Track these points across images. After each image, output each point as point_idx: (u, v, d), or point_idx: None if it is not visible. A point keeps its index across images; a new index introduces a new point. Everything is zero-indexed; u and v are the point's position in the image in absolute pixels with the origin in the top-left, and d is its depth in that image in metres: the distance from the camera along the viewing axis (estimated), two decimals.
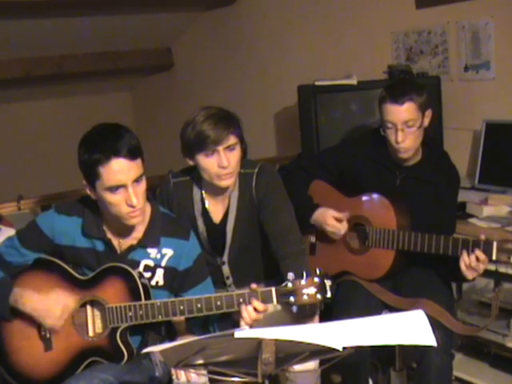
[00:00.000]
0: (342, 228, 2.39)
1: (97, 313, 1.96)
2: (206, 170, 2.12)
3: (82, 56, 4.54)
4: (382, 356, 2.55)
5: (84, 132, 1.90)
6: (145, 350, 1.52)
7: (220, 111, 2.13)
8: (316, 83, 3.18)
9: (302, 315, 1.96)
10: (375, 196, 2.40)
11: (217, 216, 2.28)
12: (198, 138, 2.08)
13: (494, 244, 2.05)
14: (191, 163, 2.17)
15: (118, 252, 1.99)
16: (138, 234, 1.99)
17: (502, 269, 2.35)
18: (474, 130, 3.08)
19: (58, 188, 3.16)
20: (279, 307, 2.09)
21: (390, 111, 2.29)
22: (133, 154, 1.83)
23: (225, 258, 2.29)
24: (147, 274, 1.99)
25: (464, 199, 2.71)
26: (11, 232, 2.40)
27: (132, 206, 1.85)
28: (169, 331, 2.10)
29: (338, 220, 2.39)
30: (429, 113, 2.35)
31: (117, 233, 2.00)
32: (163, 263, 2.01)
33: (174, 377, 1.94)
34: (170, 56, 5.00)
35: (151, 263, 2.00)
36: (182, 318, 1.99)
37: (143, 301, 1.90)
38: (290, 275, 1.81)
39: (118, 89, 5.49)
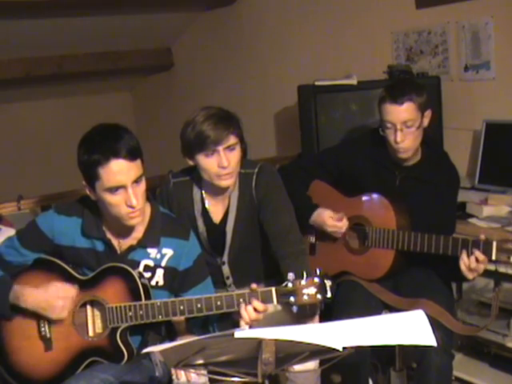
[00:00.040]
0: (343, 225, 2.39)
1: (97, 313, 1.96)
2: (206, 170, 2.12)
3: (81, 56, 4.54)
4: (382, 356, 2.55)
5: (84, 132, 1.90)
6: (145, 350, 1.52)
7: (220, 111, 2.13)
8: (316, 83, 3.18)
9: (302, 315, 1.96)
10: (375, 196, 2.40)
11: (217, 216, 2.28)
12: (198, 138, 2.08)
13: (494, 244, 2.05)
14: (191, 163, 2.17)
15: (118, 252, 1.99)
16: (138, 234, 1.99)
17: (502, 269, 2.35)
18: (474, 130, 3.08)
19: (57, 188, 3.16)
20: (279, 307, 2.09)
21: (389, 111, 2.29)
22: (132, 154, 1.83)
23: (225, 258, 2.29)
24: (147, 274, 1.99)
25: (464, 199, 2.71)
26: (11, 232, 2.40)
27: (132, 207, 1.85)
28: (169, 331, 2.10)
29: (337, 219, 2.39)
30: (428, 113, 2.35)
31: (117, 233, 2.00)
32: (163, 263, 2.01)
33: (173, 377, 1.95)
34: (169, 56, 5.00)
35: (151, 263, 2.00)
36: (182, 318, 1.99)
37: (143, 301, 1.90)
38: (290, 275, 1.81)
39: (118, 89, 5.48)
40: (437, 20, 3.16)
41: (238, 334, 1.33)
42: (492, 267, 2.21)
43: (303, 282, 1.79)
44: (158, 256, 2.00)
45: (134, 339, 1.97)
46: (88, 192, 1.92)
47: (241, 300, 1.85)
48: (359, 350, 1.43)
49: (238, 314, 1.86)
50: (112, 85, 5.33)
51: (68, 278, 1.97)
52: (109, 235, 2.00)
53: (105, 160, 1.80)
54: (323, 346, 1.35)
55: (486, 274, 2.22)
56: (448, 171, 2.43)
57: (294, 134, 3.46)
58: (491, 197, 2.70)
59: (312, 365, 1.83)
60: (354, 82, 3.14)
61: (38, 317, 1.95)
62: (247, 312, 1.83)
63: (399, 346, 2.26)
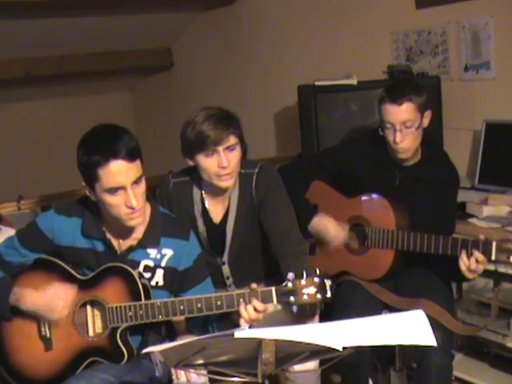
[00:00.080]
0: (345, 233, 2.38)
1: (97, 313, 1.96)
2: (206, 171, 2.12)
3: (81, 56, 4.54)
4: (382, 356, 2.55)
5: (84, 132, 1.90)
6: (145, 350, 1.52)
7: (220, 111, 2.13)
8: (316, 83, 3.18)
9: (302, 315, 1.96)
10: (374, 196, 2.40)
11: (217, 216, 2.28)
12: (198, 139, 2.08)
13: (493, 244, 2.05)
14: (191, 163, 2.17)
15: (118, 252, 1.99)
16: (138, 234, 1.99)
17: (502, 269, 2.34)
18: (474, 130, 3.09)
19: (57, 188, 3.16)
20: (279, 307, 2.09)
21: (388, 111, 2.29)
22: (131, 155, 1.83)
23: (225, 258, 2.29)
24: (147, 275, 1.99)
25: (464, 199, 2.71)
26: (11, 232, 2.40)
27: (131, 208, 1.85)
28: (169, 331, 2.10)
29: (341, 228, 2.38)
30: (428, 113, 2.35)
31: (117, 233, 2.00)
32: (163, 263, 2.01)
33: (173, 377, 1.95)
34: (170, 56, 5.00)
35: (151, 263, 2.00)
36: (182, 317, 1.99)
37: (143, 301, 1.90)
38: (290, 275, 1.81)
39: (118, 89, 5.48)
40: (437, 20, 3.16)
41: (237, 333, 1.33)
42: (492, 267, 2.21)
43: (303, 282, 1.79)
44: (158, 256, 2.00)
45: (134, 339, 1.97)
46: (88, 193, 1.92)
47: (241, 300, 1.85)
48: (359, 350, 1.43)
49: (238, 313, 1.86)
50: (112, 85, 5.33)
51: (68, 278, 1.97)
52: (109, 235, 2.00)
53: (104, 161, 1.80)
54: (323, 346, 1.35)
55: (486, 273, 2.22)
56: (448, 171, 2.43)
57: (294, 133, 3.46)
58: (491, 197, 2.70)
59: (312, 365, 1.83)
60: (354, 82, 3.14)
61: (38, 317, 1.95)
62: (247, 311, 1.83)
63: (399, 345, 2.25)
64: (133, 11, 4.20)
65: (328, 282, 1.79)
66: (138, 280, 1.91)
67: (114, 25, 4.25)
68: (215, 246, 2.29)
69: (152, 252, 2.00)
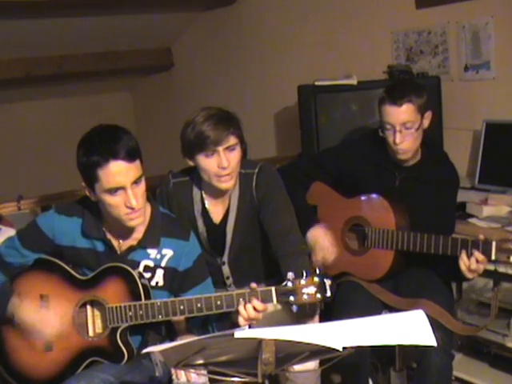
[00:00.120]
0: (334, 254, 2.25)
1: (97, 313, 1.96)
2: (206, 171, 2.12)
3: (81, 56, 4.54)
4: (382, 356, 2.55)
5: (84, 132, 1.90)
6: (145, 350, 1.52)
7: (220, 112, 2.13)
8: (316, 83, 3.18)
9: (302, 315, 1.96)
10: (374, 196, 2.39)
11: (217, 216, 2.28)
12: (198, 139, 2.08)
13: (493, 244, 2.05)
14: (191, 164, 2.17)
15: (118, 252, 1.99)
16: (138, 234, 1.99)
17: (502, 269, 2.34)
18: (474, 130, 3.09)
19: (57, 188, 3.16)
20: (279, 307, 2.09)
21: (388, 112, 2.29)
22: (131, 155, 1.83)
23: (225, 258, 2.29)
24: (147, 275, 1.99)
25: (464, 199, 2.71)
26: (11, 232, 2.40)
27: (131, 208, 1.85)
28: (169, 331, 2.10)
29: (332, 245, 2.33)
30: (428, 114, 2.35)
31: (117, 233, 2.00)
32: (163, 264, 2.01)
33: (173, 377, 1.95)
34: (170, 56, 5.00)
35: (151, 263, 2.00)
36: (182, 317, 1.99)
37: (143, 301, 1.90)
38: (290, 275, 1.81)
39: (118, 89, 5.48)
40: (437, 20, 3.16)
41: (237, 333, 1.33)
42: (491, 267, 2.21)
43: (303, 282, 1.79)
44: (158, 256, 2.00)
45: (134, 339, 1.97)
46: (88, 193, 1.92)
47: (240, 299, 1.85)
48: (359, 350, 1.43)
49: (237, 311, 1.86)
50: (112, 85, 5.33)
51: (68, 278, 1.98)
52: (109, 236, 2.00)
53: (104, 161, 1.80)
54: (323, 346, 1.35)
55: (486, 273, 2.22)
56: (448, 171, 2.43)
57: (294, 133, 3.46)
58: (491, 197, 2.70)
59: (312, 365, 1.83)
60: (354, 82, 3.14)
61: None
62: (247, 311, 1.83)
63: (399, 345, 2.26)
64: (133, 11, 4.20)
65: (328, 282, 1.80)
66: (137, 280, 1.91)
67: (113, 25, 4.25)
68: (215, 246, 2.29)
69: (152, 252, 2.00)
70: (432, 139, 2.51)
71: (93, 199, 1.92)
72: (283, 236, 2.18)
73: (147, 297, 1.92)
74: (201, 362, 1.47)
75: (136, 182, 1.85)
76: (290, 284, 1.80)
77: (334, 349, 1.35)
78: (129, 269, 1.93)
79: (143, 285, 1.93)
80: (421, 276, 2.39)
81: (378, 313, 2.27)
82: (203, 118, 2.09)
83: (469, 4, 3.02)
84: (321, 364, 1.61)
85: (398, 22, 3.36)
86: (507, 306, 2.61)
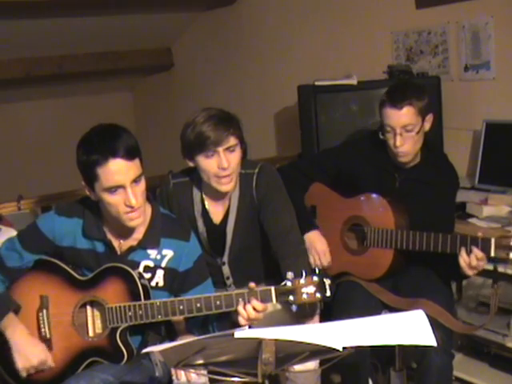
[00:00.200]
0: (329, 259, 2.39)
1: (97, 313, 1.96)
2: (206, 172, 2.12)
3: (81, 56, 4.55)
4: (382, 356, 2.55)
5: (84, 132, 1.90)
6: (145, 350, 1.52)
7: (220, 112, 2.13)
8: (316, 83, 3.18)
9: (301, 314, 1.96)
10: (373, 196, 2.39)
11: (217, 217, 2.27)
12: (198, 139, 2.08)
13: (492, 241, 2.05)
14: (191, 164, 2.17)
15: (118, 253, 1.99)
16: (139, 234, 1.99)
17: (501, 268, 2.34)
18: (474, 130, 3.09)
19: (57, 188, 3.16)
20: (279, 306, 2.09)
21: (389, 115, 2.29)
22: (130, 154, 1.83)
23: (225, 258, 2.29)
24: (147, 275, 1.99)
25: (464, 199, 2.71)
26: (11, 232, 2.40)
27: (131, 207, 1.85)
28: (169, 331, 2.10)
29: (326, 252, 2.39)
30: (430, 117, 2.34)
31: (117, 234, 2.00)
32: (163, 264, 2.00)
33: (173, 377, 1.94)
34: (170, 56, 5.00)
35: (151, 264, 2.00)
36: (182, 317, 1.99)
37: (143, 301, 1.90)
38: (290, 274, 1.81)
39: (119, 89, 5.49)
40: (437, 20, 3.16)
41: (238, 334, 1.33)
42: (490, 267, 2.21)
43: (302, 281, 1.79)
44: (158, 257, 2.00)
45: (134, 339, 1.97)
46: (88, 192, 1.92)
47: (240, 299, 1.85)
48: (359, 350, 1.43)
49: (236, 311, 1.86)
50: (112, 85, 5.33)
51: (68, 279, 1.98)
52: (109, 236, 2.00)
53: (103, 160, 1.80)
54: (323, 346, 1.35)
55: (485, 273, 2.22)
56: (447, 172, 2.43)
57: (294, 133, 3.46)
58: (491, 197, 2.70)
59: (312, 365, 1.83)
60: (354, 82, 3.14)
61: (37, 317, 1.95)
62: (246, 311, 1.83)
63: (399, 345, 2.26)
64: (133, 11, 4.20)
65: (327, 281, 1.79)
66: (137, 280, 1.91)
67: (113, 25, 4.25)
68: (215, 247, 2.29)
69: (152, 253, 2.00)
70: (431, 140, 2.51)
71: (93, 198, 1.92)
72: (283, 236, 2.18)
73: (147, 297, 1.92)
74: (201, 362, 1.47)
75: (136, 180, 1.85)
76: (289, 283, 1.80)
77: (333, 349, 1.35)
78: (128, 269, 1.92)
79: (143, 285, 1.93)
80: (420, 275, 2.39)
81: (378, 312, 2.27)
82: (203, 119, 2.09)
83: (469, 4, 3.02)
84: (321, 364, 1.61)
85: (397, 22, 3.36)
86: (507, 306, 2.62)
